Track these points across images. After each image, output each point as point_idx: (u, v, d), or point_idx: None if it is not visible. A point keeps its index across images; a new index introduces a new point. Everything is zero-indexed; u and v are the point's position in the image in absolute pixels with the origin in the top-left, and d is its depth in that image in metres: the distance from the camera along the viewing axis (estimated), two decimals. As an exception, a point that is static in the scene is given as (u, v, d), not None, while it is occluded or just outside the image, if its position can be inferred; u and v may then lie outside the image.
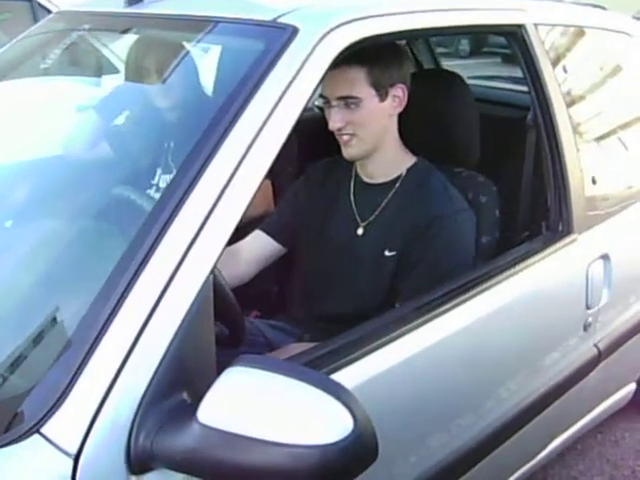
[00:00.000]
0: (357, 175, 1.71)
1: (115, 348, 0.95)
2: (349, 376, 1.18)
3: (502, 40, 2.10)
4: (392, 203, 1.64)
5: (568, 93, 1.85)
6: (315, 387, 0.88)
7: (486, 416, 1.58)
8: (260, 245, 1.76)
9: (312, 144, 2.03)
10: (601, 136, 2.12)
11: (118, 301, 0.97)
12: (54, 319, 1.12)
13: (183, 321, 0.98)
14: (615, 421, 2.49)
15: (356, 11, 1.34)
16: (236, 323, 1.26)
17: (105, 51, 2.07)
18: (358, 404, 0.88)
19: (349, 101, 1.54)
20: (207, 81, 1.65)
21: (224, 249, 1.05)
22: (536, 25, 1.74)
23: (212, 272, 1.03)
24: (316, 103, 2.20)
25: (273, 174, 2.13)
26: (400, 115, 1.65)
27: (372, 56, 1.53)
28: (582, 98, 2.02)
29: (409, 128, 1.67)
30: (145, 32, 1.72)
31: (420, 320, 1.35)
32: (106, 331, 0.95)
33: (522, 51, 1.70)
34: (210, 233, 1.04)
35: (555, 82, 1.75)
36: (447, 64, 3.14)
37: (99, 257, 1.20)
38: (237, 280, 1.67)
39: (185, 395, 0.96)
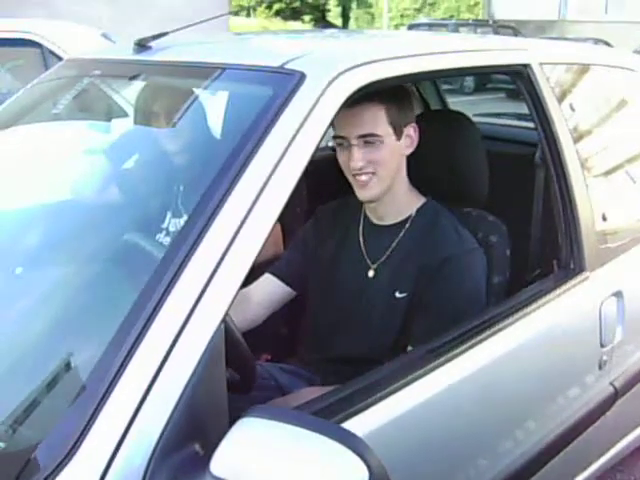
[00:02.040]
0: (366, 217, 1.71)
1: (127, 399, 0.94)
2: (363, 422, 1.17)
3: (506, 76, 2.12)
4: (402, 244, 1.64)
5: (575, 130, 1.86)
6: (329, 438, 0.86)
7: (503, 458, 1.56)
8: (270, 289, 1.75)
9: (321, 185, 2.04)
10: (609, 172, 2.12)
11: (129, 351, 0.96)
12: (65, 369, 1.11)
13: (195, 370, 0.97)
14: (634, 459, 2.44)
15: (363, 56, 1.35)
16: (247, 369, 1.25)
17: (116, 97, 2.09)
18: (372, 454, 0.87)
19: (370, 139, 1.54)
20: (216, 126, 1.66)
21: (236, 295, 1.05)
22: (541, 64, 1.75)
23: (224, 320, 1.02)
24: (329, 144, 2.21)
25: (282, 216, 2.13)
26: (408, 156, 1.65)
27: (389, 95, 1.54)
28: (589, 134, 2.03)
29: (417, 168, 1.67)
30: (154, 79, 1.75)
31: (433, 364, 1.33)
32: (117, 382, 0.95)
33: (528, 90, 1.71)
34: (222, 280, 1.04)
35: (562, 119, 1.76)
36: (452, 100, 3.16)
37: (110, 305, 1.20)
38: (247, 324, 1.65)
39: (197, 446, 0.95)
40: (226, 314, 1.03)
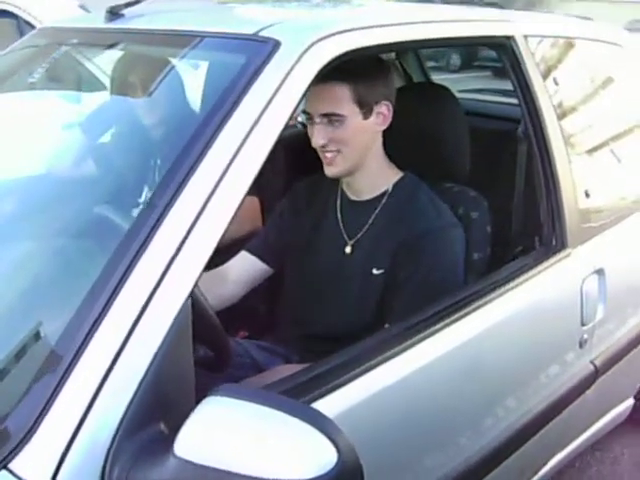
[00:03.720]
0: (343, 193, 1.68)
1: (88, 377, 0.91)
2: (338, 400, 1.15)
3: (493, 54, 2.08)
4: (379, 220, 1.60)
5: (559, 105, 1.83)
6: (296, 418, 0.83)
7: (483, 436, 1.55)
8: (247, 266, 1.72)
9: (299, 160, 1.99)
10: (593, 148, 2.09)
11: (92, 326, 0.93)
12: (25, 347, 1.07)
13: (160, 347, 0.94)
14: (614, 438, 2.44)
15: (340, 24, 1.31)
16: (220, 346, 1.21)
17: (89, 65, 2.04)
18: (342, 435, 0.84)
19: (332, 118, 1.51)
20: (191, 96, 1.62)
21: (203, 270, 1.01)
22: (525, 37, 1.71)
23: (191, 295, 0.99)
24: (299, 120, 2.18)
25: (261, 191, 2.09)
26: (388, 130, 1.60)
27: (357, 73, 1.49)
28: (573, 110, 2.00)
29: (398, 143, 1.63)
30: (128, 47, 1.70)
31: (411, 340, 1.30)
32: (79, 359, 0.91)
33: (512, 63, 1.67)
34: (189, 253, 1.00)
35: (545, 94, 1.72)
36: (438, 78, 3.12)
37: (76, 279, 1.16)
38: (225, 301, 1.63)
39: (162, 426, 0.92)
40: (193, 288, 0.99)
